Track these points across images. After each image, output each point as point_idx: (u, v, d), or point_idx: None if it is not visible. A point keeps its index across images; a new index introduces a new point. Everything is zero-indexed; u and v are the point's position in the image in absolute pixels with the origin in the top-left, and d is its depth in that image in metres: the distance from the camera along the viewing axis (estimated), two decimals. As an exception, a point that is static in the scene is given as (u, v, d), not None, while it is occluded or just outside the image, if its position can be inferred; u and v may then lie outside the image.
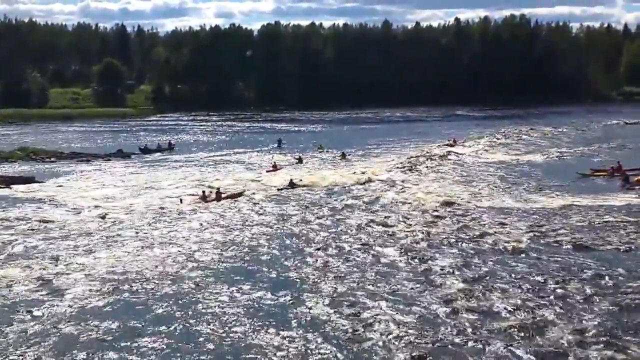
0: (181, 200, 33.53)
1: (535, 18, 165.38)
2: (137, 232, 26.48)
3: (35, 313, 17.12)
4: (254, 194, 35.74)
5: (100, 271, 20.71)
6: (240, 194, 35.22)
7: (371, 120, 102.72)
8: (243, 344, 15.14)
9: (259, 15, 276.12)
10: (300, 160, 49.89)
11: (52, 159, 55.11)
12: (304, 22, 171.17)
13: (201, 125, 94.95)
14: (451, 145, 57.71)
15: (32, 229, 27.36)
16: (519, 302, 17.45)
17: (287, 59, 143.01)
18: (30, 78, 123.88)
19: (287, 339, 15.37)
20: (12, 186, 39.59)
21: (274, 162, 47.78)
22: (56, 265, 21.48)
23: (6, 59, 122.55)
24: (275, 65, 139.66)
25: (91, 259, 22.25)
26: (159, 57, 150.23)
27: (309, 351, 14.79)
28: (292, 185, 37.57)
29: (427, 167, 45.59)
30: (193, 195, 35.55)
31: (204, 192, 35.06)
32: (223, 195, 34.47)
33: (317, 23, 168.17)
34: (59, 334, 15.75)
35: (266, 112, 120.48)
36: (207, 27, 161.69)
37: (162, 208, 32.11)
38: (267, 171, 45.07)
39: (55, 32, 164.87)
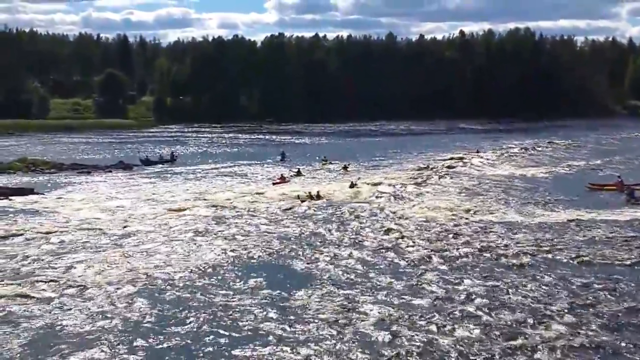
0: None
1: (539, 31, 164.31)
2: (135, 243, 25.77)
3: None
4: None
5: (106, 279, 21.01)
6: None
7: (375, 132, 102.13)
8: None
9: (262, 27, 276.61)
10: (299, 173, 49.16)
11: (53, 170, 54.15)
12: (308, 34, 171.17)
13: (203, 137, 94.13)
14: (477, 154, 60.98)
15: (31, 241, 26.80)
16: (522, 316, 17.57)
17: (290, 71, 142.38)
18: (31, 88, 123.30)
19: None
20: (11, 198, 38.72)
21: (281, 174, 47.31)
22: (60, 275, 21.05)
23: (7, 69, 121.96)
24: (278, 77, 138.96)
25: (89, 269, 22.02)
26: (161, 68, 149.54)
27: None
28: (318, 197, 37.38)
29: (430, 180, 45.14)
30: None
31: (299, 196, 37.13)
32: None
33: (321, 35, 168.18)
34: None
35: (269, 124, 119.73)
36: (210, 38, 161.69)
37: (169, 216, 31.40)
38: (274, 183, 44.55)
39: (56, 43, 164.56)
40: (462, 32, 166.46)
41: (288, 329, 16.81)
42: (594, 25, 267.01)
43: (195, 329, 16.87)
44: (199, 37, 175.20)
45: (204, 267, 22.60)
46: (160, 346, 15.94)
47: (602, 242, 25.88)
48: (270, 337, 16.25)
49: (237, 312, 18.07)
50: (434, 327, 16.80)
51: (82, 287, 20.30)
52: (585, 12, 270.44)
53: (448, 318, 17.46)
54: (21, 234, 28.30)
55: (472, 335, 16.28)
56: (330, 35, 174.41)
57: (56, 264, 23.33)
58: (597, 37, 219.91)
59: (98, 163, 58.52)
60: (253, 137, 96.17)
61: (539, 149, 68.53)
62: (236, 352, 15.50)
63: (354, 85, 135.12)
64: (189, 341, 16.13)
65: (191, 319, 17.58)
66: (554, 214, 32.08)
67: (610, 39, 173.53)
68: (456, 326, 16.87)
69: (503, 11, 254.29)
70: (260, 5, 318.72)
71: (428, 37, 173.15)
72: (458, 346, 15.71)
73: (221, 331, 16.68)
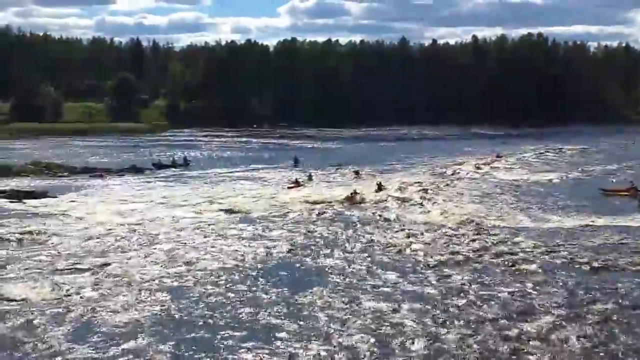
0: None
1: (552, 37, 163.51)
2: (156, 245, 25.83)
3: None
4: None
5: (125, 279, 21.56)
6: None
7: (387, 137, 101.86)
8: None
9: (275, 31, 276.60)
10: (310, 178, 49.10)
11: (65, 173, 54.32)
12: (321, 39, 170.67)
13: (215, 142, 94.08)
14: (497, 157, 62.59)
15: (42, 243, 27.05)
16: (534, 322, 17.57)
17: (303, 76, 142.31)
18: (44, 92, 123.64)
19: None
20: (24, 200, 38.89)
21: (296, 179, 47.42)
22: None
23: (21, 73, 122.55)
24: (290, 81, 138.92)
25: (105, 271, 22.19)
26: (174, 72, 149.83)
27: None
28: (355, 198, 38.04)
29: (444, 185, 45.32)
30: None
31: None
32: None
33: (333, 40, 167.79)
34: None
35: (281, 128, 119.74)
36: (223, 43, 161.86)
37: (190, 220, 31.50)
38: (289, 187, 44.69)
39: (70, 47, 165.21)
40: (475, 37, 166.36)
41: (304, 325, 17.42)
42: (608, 31, 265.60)
43: (217, 324, 17.65)
44: (211, 41, 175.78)
45: (224, 268, 23.06)
46: (186, 337, 16.80)
47: (615, 248, 25.75)
48: (290, 335, 16.70)
49: (257, 309, 18.64)
50: (445, 330, 16.93)
51: (110, 287, 20.93)
52: (599, 17, 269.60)
53: (464, 322, 17.55)
54: (33, 235, 28.55)
55: (479, 338, 16.41)
56: (343, 40, 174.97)
57: (72, 266, 23.49)
58: (610, 43, 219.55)
59: (111, 167, 58.55)
60: (265, 141, 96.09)
61: (552, 154, 68.48)
62: (258, 344, 16.21)
63: (366, 90, 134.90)
64: (208, 335, 16.90)
65: (214, 314, 18.36)
66: (566, 220, 31.93)
67: (624, 44, 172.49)
68: (467, 330, 17.01)
69: (516, 17, 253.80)
70: (273, 10, 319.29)
71: (441, 42, 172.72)
72: (469, 349, 15.80)
73: (244, 326, 17.40)
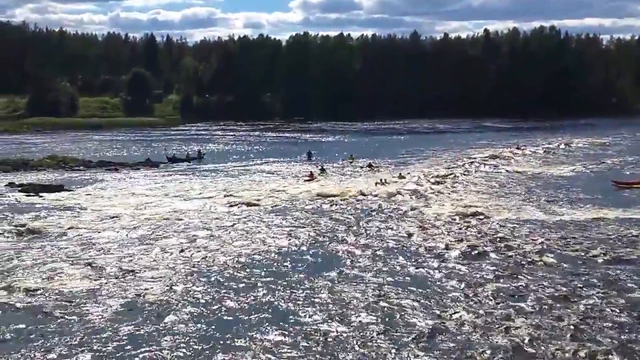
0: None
1: (564, 29, 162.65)
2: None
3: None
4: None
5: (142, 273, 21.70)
6: None
7: (399, 131, 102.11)
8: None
9: (287, 26, 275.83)
10: (323, 171, 49.79)
11: (81, 167, 55.27)
12: (333, 33, 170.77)
13: (229, 135, 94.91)
14: (517, 148, 64.63)
15: (62, 236, 27.71)
16: (550, 314, 17.77)
17: (315, 70, 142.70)
18: (60, 87, 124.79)
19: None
20: (41, 194, 39.69)
21: (311, 172, 48.38)
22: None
23: (36, 69, 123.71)
24: (303, 75, 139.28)
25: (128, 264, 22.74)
26: (187, 67, 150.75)
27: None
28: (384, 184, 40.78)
29: (458, 177, 45.84)
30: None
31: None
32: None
33: (345, 34, 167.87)
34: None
35: (294, 122, 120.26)
36: (236, 38, 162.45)
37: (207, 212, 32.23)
38: (305, 180, 45.66)
39: (85, 42, 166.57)
40: (486, 30, 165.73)
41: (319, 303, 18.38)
42: (620, 24, 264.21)
43: (242, 305, 18.85)
44: (224, 36, 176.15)
45: (246, 257, 23.96)
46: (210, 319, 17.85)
47: (627, 241, 25.91)
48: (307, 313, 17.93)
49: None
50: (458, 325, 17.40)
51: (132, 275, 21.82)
52: (611, 10, 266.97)
53: (472, 314, 18.01)
54: (51, 229, 29.23)
55: (492, 330, 16.78)
56: (355, 34, 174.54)
57: (96, 257, 24.21)
58: (623, 36, 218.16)
59: (125, 160, 59.47)
60: (277, 135, 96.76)
61: (564, 147, 68.47)
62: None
63: (377, 84, 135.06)
64: (230, 318, 17.96)
65: (239, 297, 19.54)
66: (578, 212, 32.14)
67: (637, 37, 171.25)
68: (481, 320, 17.44)
69: (528, 10, 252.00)
70: (285, 5, 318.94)
71: (452, 35, 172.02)
72: (484, 346, 16.08)
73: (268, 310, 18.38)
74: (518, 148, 65.22)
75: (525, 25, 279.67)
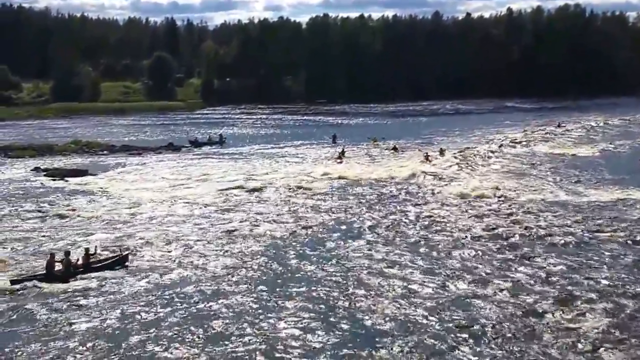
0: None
1: (590, 7, 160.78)
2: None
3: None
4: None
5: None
6: None
7: (421, 112, 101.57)
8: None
9: (307, 8, 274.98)
10: (343, 153, 49.68)
11: (105, 151, 55.56)
12: (353, 15, 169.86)
13: (250, 119, 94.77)
14: (558, 127, 66.32)
15: (86, 219, 28.00)
16: (569, 291, 18.27)
17: (335, 52, 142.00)
18: (83, 72, 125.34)
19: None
20: (66, 178, 40.04)
21: (339, 153, 49.47)
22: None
23: (60, 54, 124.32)
24: (323, 58, 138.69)
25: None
26: (208, 50, 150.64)
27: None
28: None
29: (479, 160, 45.71)
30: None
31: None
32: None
33: (366, 15, 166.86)
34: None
35: (315, 105, 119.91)
36: (256, 20, 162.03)
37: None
38: (337, 162, 46.57)
39: (107, 27, 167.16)
40: (509, 9, 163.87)
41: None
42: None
43: (278, 271, 21.11)
44: (244, 19, 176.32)
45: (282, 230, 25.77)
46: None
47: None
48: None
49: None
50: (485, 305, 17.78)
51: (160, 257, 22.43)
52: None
53: (498, 294, 18.35)
54: (77, 212, 29.55)
55: (522, 321, 16.89)
56: (376, 16, 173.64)
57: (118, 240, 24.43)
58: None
59: (148, 144, 59.61)
60: (299, 118, 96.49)
61: (589, 126, 67.96)
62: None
63: (399, 66, 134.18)
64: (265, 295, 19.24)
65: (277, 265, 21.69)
66: (604, 193, 32.06)
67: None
68: (504, 303, 17.71)
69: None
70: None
71: (475, 15, 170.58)
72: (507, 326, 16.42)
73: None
74: (559, 126, 66.77)
75: (550, 4, 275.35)
